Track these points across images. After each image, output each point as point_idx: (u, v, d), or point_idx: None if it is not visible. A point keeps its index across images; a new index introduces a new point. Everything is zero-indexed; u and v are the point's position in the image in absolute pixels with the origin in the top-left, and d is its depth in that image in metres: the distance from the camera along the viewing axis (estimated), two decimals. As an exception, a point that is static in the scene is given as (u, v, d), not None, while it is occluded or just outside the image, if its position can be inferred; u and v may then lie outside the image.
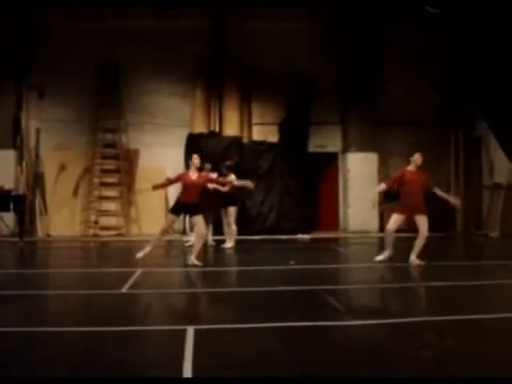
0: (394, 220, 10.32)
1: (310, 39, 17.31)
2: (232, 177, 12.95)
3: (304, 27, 17.23)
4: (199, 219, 10.28)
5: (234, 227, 13.67)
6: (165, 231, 10.99)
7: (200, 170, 11.05)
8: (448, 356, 4.93)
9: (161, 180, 11.96)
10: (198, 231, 10.46)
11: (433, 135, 17.46)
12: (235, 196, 13.42)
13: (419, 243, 10.19)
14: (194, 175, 10.42)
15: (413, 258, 10.12)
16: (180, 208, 10.63)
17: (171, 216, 10.69)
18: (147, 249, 10.51)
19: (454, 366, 4.67)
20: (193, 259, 10.25)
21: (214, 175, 13.22)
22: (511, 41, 10.32)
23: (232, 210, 13.48)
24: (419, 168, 10.33)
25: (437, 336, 5.52)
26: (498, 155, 15.83)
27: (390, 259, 10.44)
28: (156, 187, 11.22)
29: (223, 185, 12.33)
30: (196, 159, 10.53)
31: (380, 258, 10.51)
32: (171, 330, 5.87)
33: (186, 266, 10.34)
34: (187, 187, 10.44)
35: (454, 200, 10.49)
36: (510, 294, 7.82)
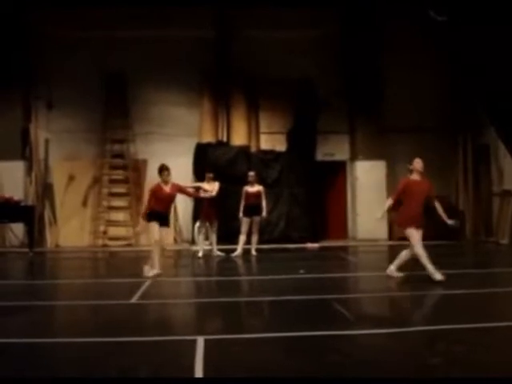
0: (414, 237, 9.40)
1: (317, 48, 17.33)
2: (216, 186, 13.45)
3: (310, 36, 17.26)
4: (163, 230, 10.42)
5: (243, 237, 13.78)
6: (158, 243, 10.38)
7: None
8: (456, 364, 4.90)
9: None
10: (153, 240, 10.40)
11: (441, 142, 17.43)
12: (260, 206, 13.82)
13: (407, 255, 9.66)
14: (166, 187, 10.48)
15: (392, 269, 9.77)
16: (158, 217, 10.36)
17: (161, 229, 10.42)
18: (154, 267, 10.21)
19: (462, 375, 4.64)
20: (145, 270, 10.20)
21: (216, 184, 13.40)
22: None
23: (258, 220, 13.93)
24: (423, 175, 9.60)
25: (446, 345, 5.48)
26: (507, 162, 15.74)
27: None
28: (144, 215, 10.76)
29: (190, 195, 12.50)
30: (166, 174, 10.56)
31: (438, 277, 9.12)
32: (181, 341, 5.87)
33: (195, 275, 10.33)
34: (160, 198, 10.41)
35: (450, 222, 9.66)
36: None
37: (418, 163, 9.56)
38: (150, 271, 10.06)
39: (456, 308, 7.30)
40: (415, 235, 9.35)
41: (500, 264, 12.48)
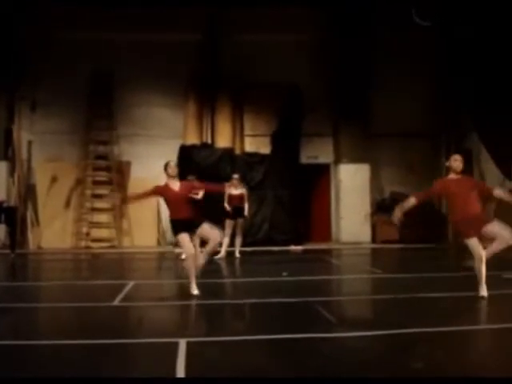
0: (474, 245, 7.84)
1: (302, 51, 17.42)
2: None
3: (296, 40, 17.33)
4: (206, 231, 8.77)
5: (227, 239, 13.78)
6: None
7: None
8: (438, 367, 4.93)
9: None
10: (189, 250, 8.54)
11: (424, 146, 17.57)
12: (243, 208, 13.90)
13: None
14: (175, 186, 8.71)
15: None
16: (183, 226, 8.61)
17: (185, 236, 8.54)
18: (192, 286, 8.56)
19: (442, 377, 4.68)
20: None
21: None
22: (500, 53, 10.37)
23: (241, 222, 14.02)
24: (462, 174, 8.02)
25: (427, 347, 5.52)
26: (490, 167, 15.88)
27: None
28: (130, 199, 10.08)
29: (212, 190, 11.63)
30: (172, 167, 8.76)
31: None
32: (163, 343, 5.84)
33: (178, 278, 10.30)
34: (172, 201, 8.71)
35: None
36: (500, 303, 7.83)
37: (454, 161, 7.95)
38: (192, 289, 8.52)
39: (437, 311, 7.34)
40: (475, 243, 7.81)
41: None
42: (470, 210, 7.75)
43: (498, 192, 8.03)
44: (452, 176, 7.98)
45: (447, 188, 7.95)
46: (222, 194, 12.90)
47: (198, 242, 13.82)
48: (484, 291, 7.90)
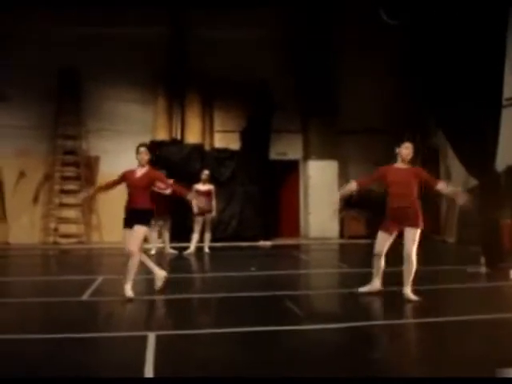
0: (380, 239, 8.02)
1: (271, 48, 17.47)
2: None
3: (264, 35, 17.36)
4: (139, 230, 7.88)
5: (196, 235, 13.86)
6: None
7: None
8: (396, 358, 5.08)
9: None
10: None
11: (391, 143, 17.66)
12: (211, 204, 13.92)
13: (409, 269, 7.73)
14: (138, 173, 8.16)
15: (407, 292, 7.68)
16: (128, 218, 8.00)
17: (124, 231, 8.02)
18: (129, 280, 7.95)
19: (401, 368, 4.83)
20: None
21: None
22: (464, 52, 10.58)
23: (210, 218, 14.05)
24: (409, 163, 7.97)
25: (387, 339, 5.67)
26: (456, 164, 16.14)
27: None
28: (96, 191, 9.35)
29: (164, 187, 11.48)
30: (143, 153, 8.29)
31: (364, 289, 8.15)
32: (132, 337, 5.90)
33: (147, 273, 10.31)
34: (128, 187, 8.15)
35: (462, 198, 7.93)
36: (465, 297, 8.04)
37: (404, 149, 7.94)
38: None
39: (400, 304, 7.50)
40: (383, 238, 7.97)
41: (446, 262, 12.81)
42: (402, 201, 7.68)
43: (441, 186, 7.97)
44: (398, 165, 7.94)
45: (385, 176, 7.90)
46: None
47: (167, 236, 13.94)
48: (373, 287, 8.04)
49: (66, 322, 6.64)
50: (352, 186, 8.13)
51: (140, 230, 7.87)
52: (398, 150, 8.01)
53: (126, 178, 8.19)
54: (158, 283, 8.42)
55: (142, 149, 8.38)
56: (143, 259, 8.30)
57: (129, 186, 8.11)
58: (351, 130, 17.77)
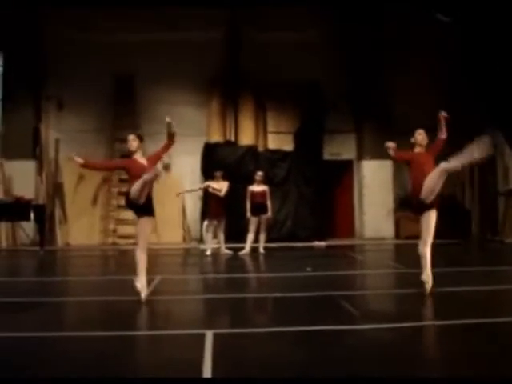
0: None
1: (322, 48, 17.48)
2: (225, 186, 13.76)
3: (316, 35, 17.41)
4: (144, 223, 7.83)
5: (251, 235, 13.96)
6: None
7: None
8: (458, 358, 5.04)
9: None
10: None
11: (448, 142, 17.49)
12: (266, 205, 14.03)
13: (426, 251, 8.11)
14: (141, 160, 7.91)
15: (424, 278, 8.03)
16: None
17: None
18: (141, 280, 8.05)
19: (462, 369, 4.78)
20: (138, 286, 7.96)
21: (226, 184, 13.58)
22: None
23: (265, 218, 14.12)
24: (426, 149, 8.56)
25: (448, 339, 5.63)
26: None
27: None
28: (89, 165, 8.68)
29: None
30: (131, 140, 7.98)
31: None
32: (190, 334, 6.02)
33: (204, 273, 10.46)
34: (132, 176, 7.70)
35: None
36: None
37: (418, 134, 8.68)
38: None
39: (460, 304, 7.42)
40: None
41: (505, 262, 12.56)
42: (420, 184, 8.01)
43: (442, 135, 8.86)
44: (417, 150, 8.60)
45: (412, 159, 8.52)
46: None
47: (222, 236, 14.08)
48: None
49: (123, 320, 6.79)
50: (392, 145, 8.79)
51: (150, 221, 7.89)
52: (413, 139, 8.71)
53: (128, 167, 7.88)
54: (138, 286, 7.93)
55: (131, 136, 8.09)
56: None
57: (135, 177, 7.52)
58: (406, 129, 17.52)
